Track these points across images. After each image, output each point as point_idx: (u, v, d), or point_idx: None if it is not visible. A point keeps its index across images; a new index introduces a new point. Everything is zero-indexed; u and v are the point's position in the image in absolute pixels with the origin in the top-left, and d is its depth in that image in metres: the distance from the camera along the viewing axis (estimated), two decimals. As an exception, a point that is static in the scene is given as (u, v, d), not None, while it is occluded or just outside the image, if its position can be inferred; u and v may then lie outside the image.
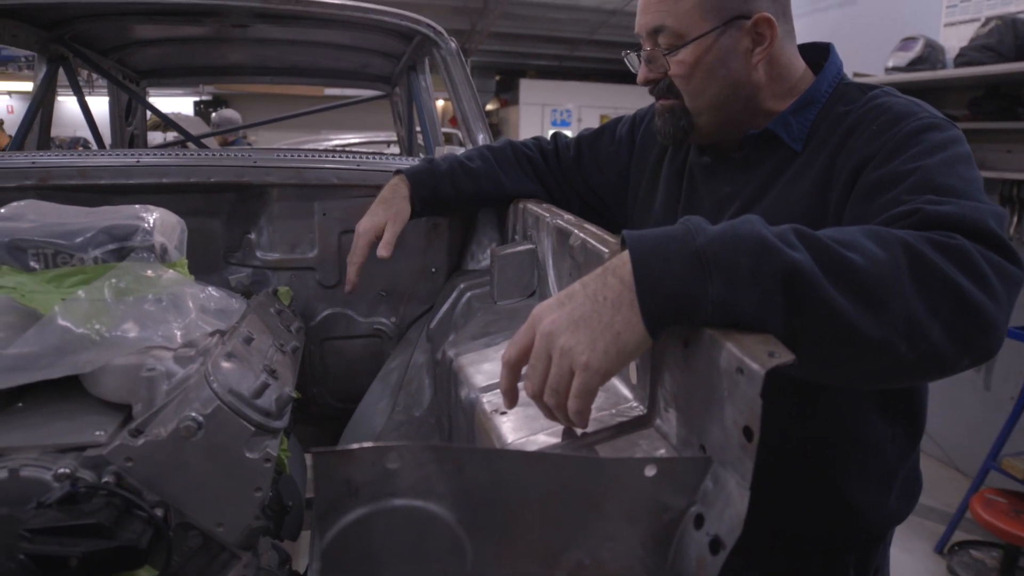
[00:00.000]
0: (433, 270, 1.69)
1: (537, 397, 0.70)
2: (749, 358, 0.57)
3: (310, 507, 1.37)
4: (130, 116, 2.99)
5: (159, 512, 0.95)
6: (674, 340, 0.69)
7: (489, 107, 16.49)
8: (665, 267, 0.63)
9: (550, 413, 0.70)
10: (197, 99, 13.85)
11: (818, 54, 1.08)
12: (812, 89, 1.03)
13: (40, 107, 2.28)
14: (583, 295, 0.67)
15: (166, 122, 2.70)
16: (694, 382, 0.67)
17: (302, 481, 1.31)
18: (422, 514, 0.59)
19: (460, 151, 1.98)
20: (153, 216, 1.17)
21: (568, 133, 1.51)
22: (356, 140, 8.10)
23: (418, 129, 2.73)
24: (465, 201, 1.43)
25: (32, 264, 1.09)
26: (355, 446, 0.57)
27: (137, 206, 1.21)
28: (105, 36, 2.38)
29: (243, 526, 1.01)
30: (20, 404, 1.06)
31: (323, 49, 2.64)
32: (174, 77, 3.05)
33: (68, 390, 1.04)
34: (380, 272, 1.71)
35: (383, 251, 1.25)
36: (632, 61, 1.11)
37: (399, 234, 1.28)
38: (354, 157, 1.71)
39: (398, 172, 1.37)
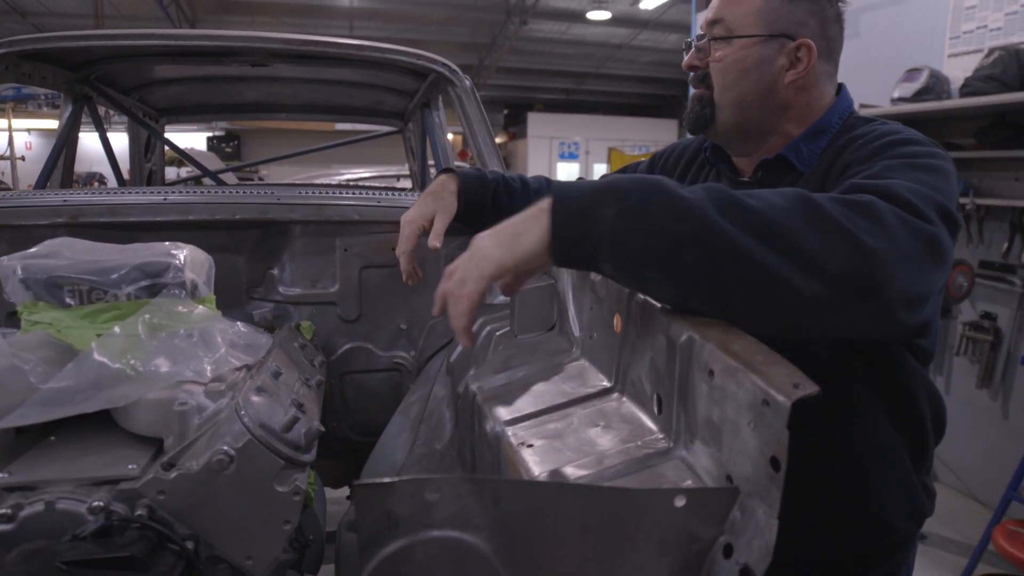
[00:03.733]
0: None
1: (446, 291, 0.81)
2: (774, 390, 0.58)
3: (330, 541, 1.38)
4: (149, 152, 3.06)
5: (190, 545, 0.96)
6: (699, 371, 0.71)
7: (497, 141, 16.65)
8: (578, 192, 0.76)
9: (442, 309, 0.83)
10: (210, 134, 14.08)
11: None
12: (823, 119, 1.08)
13: (65, 145, 2.34)
14: (510, 220, 0.80)
15: (187, 161, 2.76)
16: (719, 414, 0.68)
17: (322, 515, 1.32)
18: (459, 545, 0.61)
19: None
20: (184, 253, 1.21)
21: (575, 165, 1.52)
22: (367, 174, 8.19)
23: (431, 163, 2.77)
24: (502, 217, 1.43)
25: (68, 300, 1.12)
26: (395, 479, 0.58)
27: (167, 243, 1.24)
28: (128, 76, 2.45)
29: (271, 559, 1.02)
30: (52, 438, 1.08)
31: (339, 87, 2.70)
32: (192, 114, 3.13)
33: (100, 424, 1.06)
34: (400, 306, 1.73)
35: (434, 241, 1.17)
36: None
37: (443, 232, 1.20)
38: (374, 193, 1.74)
39: (446, 170, 1.28)
